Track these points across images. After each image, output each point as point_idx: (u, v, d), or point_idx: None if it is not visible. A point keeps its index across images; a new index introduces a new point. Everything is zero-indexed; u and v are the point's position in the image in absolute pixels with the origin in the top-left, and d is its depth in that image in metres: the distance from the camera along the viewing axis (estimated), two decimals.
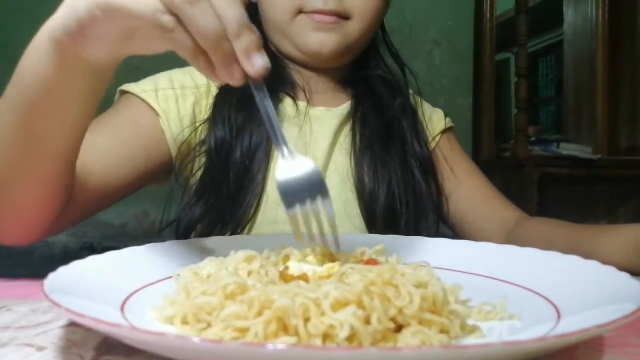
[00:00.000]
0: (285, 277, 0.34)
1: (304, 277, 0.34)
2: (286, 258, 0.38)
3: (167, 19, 0.34)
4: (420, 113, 0.75)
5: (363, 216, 0.67)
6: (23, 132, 0.44)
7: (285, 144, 0.37)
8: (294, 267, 0.35)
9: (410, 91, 0.76)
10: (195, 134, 0.66)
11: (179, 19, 0.34)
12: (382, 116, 0.71)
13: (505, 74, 3.13)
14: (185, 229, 0.63)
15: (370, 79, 0.74)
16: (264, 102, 0.37)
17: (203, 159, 0.66)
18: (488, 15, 2.05)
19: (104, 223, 1.99)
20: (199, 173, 0.66)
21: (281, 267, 0.36)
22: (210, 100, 0.67)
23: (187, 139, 0.65)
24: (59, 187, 0.49)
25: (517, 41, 1.98)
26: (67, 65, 0.40)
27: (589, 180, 2.02)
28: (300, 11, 0.64)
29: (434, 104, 0.81)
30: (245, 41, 0.34)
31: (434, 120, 0.78)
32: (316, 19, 0.64)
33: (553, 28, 3.01)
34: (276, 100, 0.68)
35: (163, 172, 0.67)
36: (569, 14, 2.60)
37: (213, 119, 0.65)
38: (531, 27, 2.07)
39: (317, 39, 0.65)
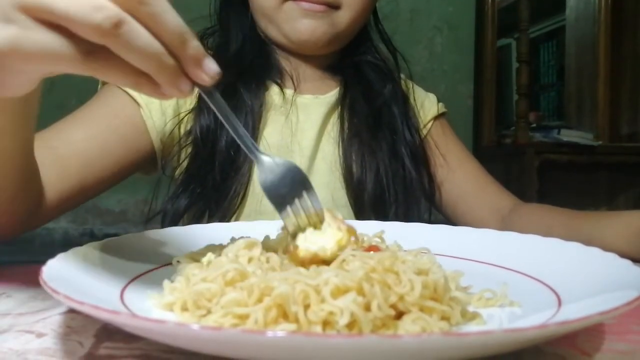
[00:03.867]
0: (295, 259, 0.34)
1: (315, 260, 0.33)
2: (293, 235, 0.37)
3: (93, 59, 0.29)
4: (412, 99, 0.74)
5: (351, 205, 0.66)
6: None
7: (257, 149, 0.35)
8: (303, 247, 0.34)
9: (402, 76, 0.75)
10: (180, 125, 0.64)
11: (105, 51, 0.28)
12: (371, 103, 0.70)
13: (507, 60, 3.11)
14: (171, 220, 0.62)
15: (359, 65, 0.72)
16: (220, 106, 0.34)
17: (190, 150, 0.65)
18: (490, 1, 2.03)
19: (104, 210, 1.99)
20: (185, 164, 0.65)
21: (291, 247, 0.35)
22: (196, 90, 0.66)
23: (172, 130, 0.64)
24: (20, 189, 0.47)
25: (518, 27, 1.97)
26: None
27: (590, 167, 2.02)
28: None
29: (435, 91, 0.80)
30: (192, 49, 0.30)
31: (426, 105, 0.77)
32: (305, 6, 0.62)
33: (555, 13, 2.98)
34: (263, 89, 0.67)
35: (145, 163, 0.65)
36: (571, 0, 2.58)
37: (198, 108, 0.64)
38: (533, 12, 2.05)
39: (305, 26, 0.64)
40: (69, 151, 0.56)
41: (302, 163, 0.67)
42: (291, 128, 0.67)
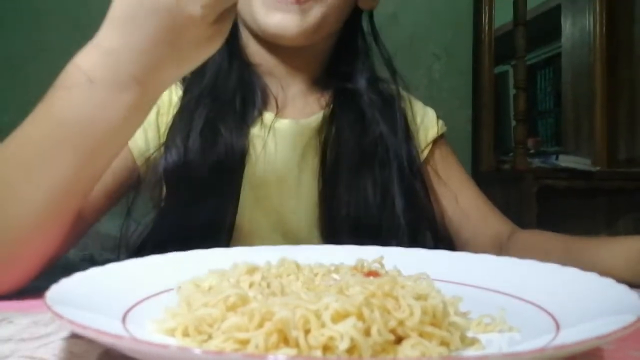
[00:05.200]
0: None
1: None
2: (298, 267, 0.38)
3: None
4: (409, 115, 0.72)
5: (325, 241, 0.64)
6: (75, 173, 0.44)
7: None
8: None
9: (401, 90, 0.73)
10: (160, 152, 0.63)
11: None
12: (361, 134, 0.67)
13: (505, 86, 3.15)
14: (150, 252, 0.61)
15: (352, 91, 0.70)
16: None
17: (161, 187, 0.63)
18: (487, 29, 2.07)
19: (104, 234, 1.98)
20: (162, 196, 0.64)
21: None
22: (172, 112, 0.65)
23: (153, 153, 0.64)
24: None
25: (515, 54, 2.00)
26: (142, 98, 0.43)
27: (588, 193, 2.03)
28: None
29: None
30: None
31: (426, 124, 0.75)
32: None
33: (551, 41, 3.03)
34: (245, 126, 0.65)
35: (131, 186, 0.64)
36: (567, 28, 2.62)
37: (166, 146, 0.63)
38: (529, 40, 2.08)
39: (277, 18, 0.62)
40: None
41: (280, 194, 0.65)
42: (269, 157, 0.65)
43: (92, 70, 0.41)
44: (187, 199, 0.61)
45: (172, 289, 0.37)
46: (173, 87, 0.67)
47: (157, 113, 0.65)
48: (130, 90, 0.41)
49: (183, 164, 0.61)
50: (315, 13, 0.63)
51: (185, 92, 0.67)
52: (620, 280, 0.35)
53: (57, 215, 0.45)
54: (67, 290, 0.31)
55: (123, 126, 0.44)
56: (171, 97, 0.67)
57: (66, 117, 0.42)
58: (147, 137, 0.64)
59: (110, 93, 0.41)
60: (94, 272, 0.36)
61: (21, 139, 0.44)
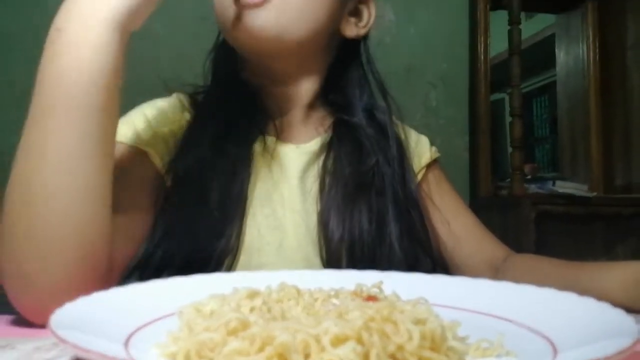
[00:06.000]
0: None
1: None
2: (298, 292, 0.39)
3: None
4: (404, 142, 0.73)
5: (324, 266, 0.65)
6: (93, 153, 0.46)
7: None
8: None
9: (395, 119, 0.74)
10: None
11: None
12: (357, 163, 0.68)
13: (501, 113, 3.19)
14: (151, 275, 0.60)
15: (349, 122, 0.71)
16: None
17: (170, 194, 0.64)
18: (482, 57, 2.10)
19: None
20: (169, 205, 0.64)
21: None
22: (181, 134, 0.67)
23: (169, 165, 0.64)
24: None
25: (511, 82, 2.03)
26: (123, 47, 0.46)
27: (586, 218, 2.03)
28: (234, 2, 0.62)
29: (431, 144, 0.80)
30: None
31: (419, 150, 0.76)
32: (242, 2, 0.61)
33: (546, 69, 3.08)
34: (248, 144, 0.67)
35: (159, 195, 0.65)
36: (561, 56, 2.67)
37: (175, 160, 0.64)
38: (525, 68, 2.12)
39: (246, 17, 0.61)
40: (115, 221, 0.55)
41: (282, 213, 0.67)
42: (273, 178, 0.67)
43: (59, 22, 0.45)
44: (195, 213, 0.62)
45: (173, 314, 0.37)
46: (181, 109, 0.70)
47: (170, 134, 0.66)
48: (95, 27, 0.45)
49: (191, 180, 0.63)
50: (284, 7, 0.62)
51: (195, 114, 0.69)
52: (617, 305, 0.35)
53: (94, 202, 0.47)
54: (71, 314, 0.32)
55: (107, 61, 0.46)
56: (181, 118, 0.68)
57: (57, 75, 0.45)
58: (169, 149, 0.65)
59: (80, 33, 0.45)
60: (97, 296, 0.36)
61: (32, 134, 0.46)
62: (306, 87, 0.71)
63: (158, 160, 0.64)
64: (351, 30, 0.71)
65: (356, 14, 0.72)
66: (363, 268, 0.61)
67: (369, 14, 0.73)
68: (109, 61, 0.46)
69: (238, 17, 0.62)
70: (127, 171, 0.61)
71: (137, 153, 0.63)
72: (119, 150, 0.63)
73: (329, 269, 0.64)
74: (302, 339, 0.28)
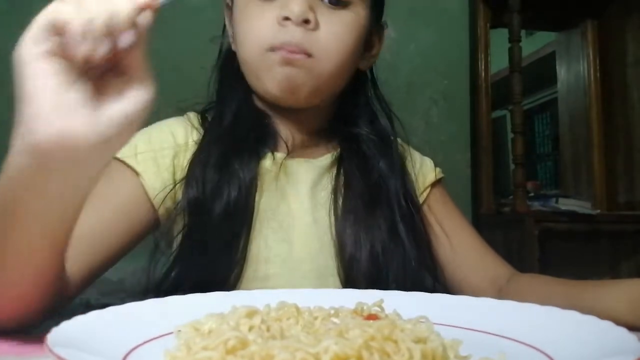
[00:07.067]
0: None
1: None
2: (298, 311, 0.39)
3: None
4: (409, 165, 0.75)
5: (340, 277, 0.66)
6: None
7: None
8: None
9: (399, 141, 0.76)
10: (174, 192, 0.65)
11: None
12: (367, 178, 0.70)
13: (503, 130, 3.19)
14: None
15: (356, 136, 0.73)
16: None
17: (181, 223, 0.65)
18: (483, 74, 2.11)
19: (101, 279, 1.96)
20: (180, 237, 0.65)
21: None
22: (189, 155, 0.67)
23: (168, 194, 0.65)
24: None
25: (512, 99, 2.04)
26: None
27: (589, 236, 2.02)
28: (270, 49, 0.63)
29: (433, 160, 0.80)
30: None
31: (423, 171, 0.77)
32: (283, 54, 0.62)
33: (547, 86, 3.09)
34: (256, 159, 0.67)
35: (150, 229, 0.66)
36: (562, 73, 2.68)
37: (187, 180, 0.65)
38: (526, 85, 2.13)
39: (285, 73, 0.63)
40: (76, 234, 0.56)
41: (291, 226, 0.67)
42: (281, 190, 0.68)
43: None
44: (207, 231, 0.63)
45: (171, 332, 0.37)
46: (190, 130, 0.70)
47: (174, 156, 0.67)
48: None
49: (202, 196, 0.63)
50: (321, 70, 0.64)
51: (205, 134, 0.69)
52: (621, 323, 0.35)
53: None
54: (68, 333, 0.31)
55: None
56: (187, 140, 0.69)
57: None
58: (163, 180, 0.65)
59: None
60: (94, 315, 0.36)
61: None
62: (320, 116, 0.73)
63: (149, 186, 0.64)
64: (365, 64, 0.73)
65: (370, 47, 0.73)
66: (380, 278, 0.63)
67: (379, 44, 0.74)
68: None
69: (277, 64, 0.63)
70: (112, 187, 0.62)
71: (129, 173, 0.64)
72: (113, 166, 0.63)
73: (333, 286, 0.65)
74: (302, 358, 0.27)
